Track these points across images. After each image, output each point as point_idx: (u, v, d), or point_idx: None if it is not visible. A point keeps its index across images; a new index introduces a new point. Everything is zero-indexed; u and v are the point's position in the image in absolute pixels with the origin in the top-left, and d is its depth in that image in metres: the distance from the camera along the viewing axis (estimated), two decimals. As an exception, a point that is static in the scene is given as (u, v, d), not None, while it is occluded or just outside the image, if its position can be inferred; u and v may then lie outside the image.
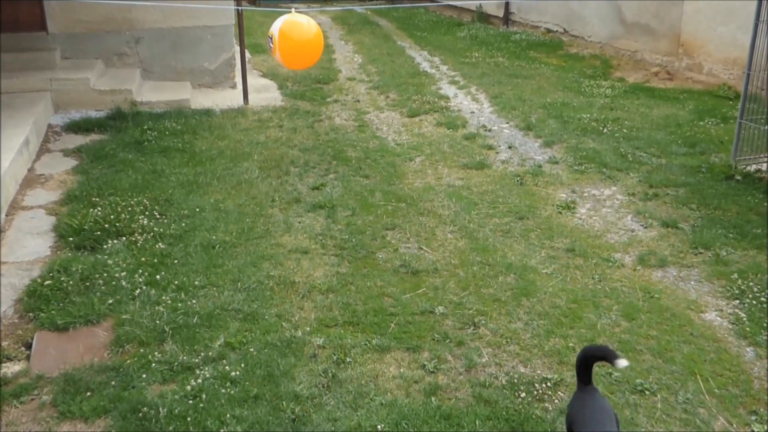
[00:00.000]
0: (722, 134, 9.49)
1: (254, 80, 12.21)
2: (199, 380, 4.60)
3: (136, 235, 6.47)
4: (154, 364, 4.77)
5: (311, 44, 7.69)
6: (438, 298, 5.65)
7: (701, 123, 10.02)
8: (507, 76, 12.95)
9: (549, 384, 4.65)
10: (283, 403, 4.42)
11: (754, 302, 5.60)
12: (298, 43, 7.59)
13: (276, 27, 7.56)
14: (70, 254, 6.20)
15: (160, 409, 4.32)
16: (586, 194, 7.72)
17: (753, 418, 4.42)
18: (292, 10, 7.59)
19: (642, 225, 7.00)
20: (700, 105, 10.93)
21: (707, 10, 11.95)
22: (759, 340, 5.16)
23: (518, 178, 8.10)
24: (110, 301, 5.45)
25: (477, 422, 4.29)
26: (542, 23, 16.92)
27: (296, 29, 7.57)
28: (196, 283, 5.75)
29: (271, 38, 7.61)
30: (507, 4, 17.96)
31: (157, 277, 5.79)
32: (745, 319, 5.42)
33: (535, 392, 4.58)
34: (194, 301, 5.48)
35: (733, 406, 4.52)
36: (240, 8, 10.91)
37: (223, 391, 4.51)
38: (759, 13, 7.77)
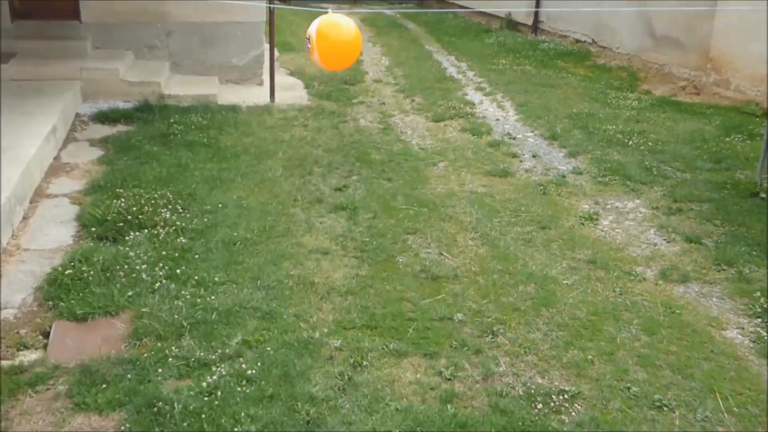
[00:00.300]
0: (748, 151, 9.41)
1: (281, 78, 12.23)
2: (215, 377, 4.60)
3: (159, 228, 6.49)
4: (170, 359, 4.78)
5: (350, 45, 7.67)
6: (457, 304, 5.63)
7: (727, 139, 9.93)
8: (533, 84, 12.90)
9: (566, 396, 4.62)
10: (299, 404, 4.41)
11: (776, 322, 5.55)
12: (337, 44, 7.57)
13: (313, 28, 7.55)
14: (92, 244, 6.23)
15: (175, 404, 4.33)
16: (609, 206, 7.68)
17: (772, 440, 4.38)
18: (329, 10, 7.58)
19: (665, 239, 6.95)
20: (727, 121, 10.84)
21: (738, 27, 11.85)
22: (780, 360, 5.12)
23: (541, 188, 8.07)
24: (130, 294, 5.47)
25: (492, 432, 4.28)
26: (571, 33, 16.85)
27: (335, 30, 7.56)
28: (216, 279, 5.76)
29: (309, 39, 7.59)
30: (536, 13, 17.89)
31: (178, 271, 5.80)
32: (766, 337, 5.37)
33: (552, 404, 4.55)
34: (213, 297, 5.49)
35: (752, 425, 4.48)
36: (272, 6, 10.94)
37: (239, 389, 4.51)
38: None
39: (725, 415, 4.56)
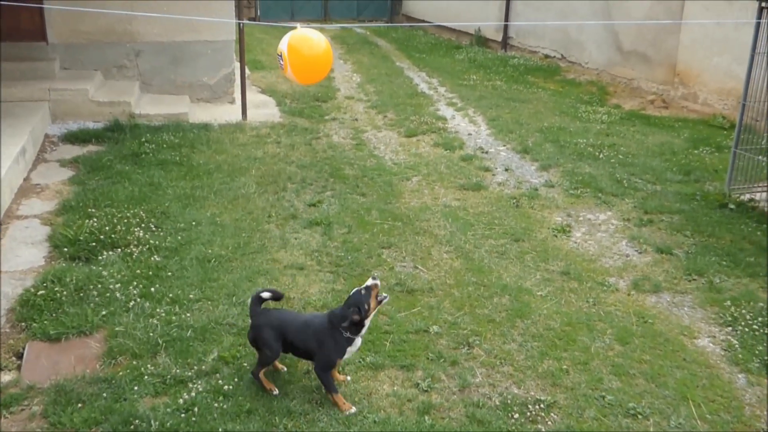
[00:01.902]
0: (717, 163, 9.55)
1: (253, 96, 12.24)
2: (192, 394, 4.58)
3: (132, 247, 6.47)
4: (146, 377, 4.75)
5: (322, 58, 7.67)
6: (433, 317, 5.65)
7: (696, 151, 10.08)
8: (504, 99, 13.01)
9: (542, 406, 4.65)
10: (276, 418, 4.40)
11: (747, 329, 5.63)
12: (309, 58, 7.57)
13: (284, 43, 7.54)
14: (64, 264, 6.18)
15: (152, 422, 4.31)
16: (581, 218, 7.75)
17: (745, 445, 4.43)
18: (297, 26, 7.59)
19: (636, 250, 7.02)
20: (695, 134, 11.00)
21: (703, 41, 12.05)
22: (751, 367, 5.18)
23: (514, 201, 8.13)
24: (104, 313, 5.44)
25: (470, 442, 4.30)
26: (540, 48, 17.03)
27: (306, 44, 7.56)
28: (191, 296, 5.74)
29: (281, 56, 7.58)
30: (506, 28, 18.07)
31: (152, 289, 5.78)
32: (737, 345, 5.44)
33: (529, 414, 4.58)
34: (188, 315, 5.47)
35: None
36: (241, 21, 10.95)
37: (216, 405, 4.49)
38: (755, 45, 7.85)
39: (698, 422, 4.60)
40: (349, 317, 4.44)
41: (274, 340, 4.58)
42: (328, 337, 4.50)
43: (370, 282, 4.53)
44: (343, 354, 4.55)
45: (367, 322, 4.56)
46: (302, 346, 4.62)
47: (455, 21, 19.62)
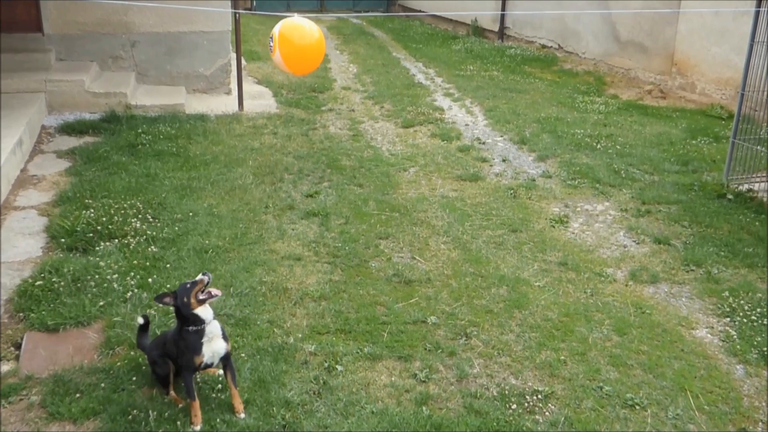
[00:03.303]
0: (714, 153, 9.55)
1: (249, 87, 12.22)
2: (190, 384, 4.58)
3: (129, 237, 6.45)
4: (144, 367, 4.74)
5: (312, 49, 7.62)
6: (430, 308, 5.65)
7: (694, 141, 10.07)
8: (501, 89, 13.00)
9: (540, 396, 4.65)
10: (274, 409, 4.40)
11: (745, 320, 5.62)
12: (299, 47, 7.52)
13: (277, 28, 7.50)
14: (61, 255, 6.17)
15: (150, 412, 4.30)
16: (579, 209, 7.75)
17: (742, 435, 4.43)
18: (295, 15, 7.55)
19: (634, 241, 7.02)
20: (693, 124, 10.99)
21: (701, 31, 12.03)
22: (749, 358, 5.18)
23: (512, 191, 8.12)
24: (101, 303, 5.43)
25: (468, 433, 4.30)
26: (537, 38, 17.00)
27: (297, 32, 7.50)
28: (188, 287, 5.72)
29: (272, 38, 7.54)
30: (502, 19, 18.04)
31: (149, 280, 5.76)
32: (735, 336, 5.44)
33: (526, 404, 4.58)
34: (186, 305, 5.45)
35: (723, 423, 4.52)
36: (237, 12, 10.92)
37: (214, 395, 4.50)
38: (754, 34, 7.83)
39: (696, 413, 4.60)
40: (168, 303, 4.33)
41: (160, 358, 4.49)
42: (180, 338, 4.31)
43: (198, 277, 4.32)
44: (199, 349, 4.29)
45: (202, 314, 4.28)
46: (173, 356, 4.42)
47: (452, 11, 19.58)
